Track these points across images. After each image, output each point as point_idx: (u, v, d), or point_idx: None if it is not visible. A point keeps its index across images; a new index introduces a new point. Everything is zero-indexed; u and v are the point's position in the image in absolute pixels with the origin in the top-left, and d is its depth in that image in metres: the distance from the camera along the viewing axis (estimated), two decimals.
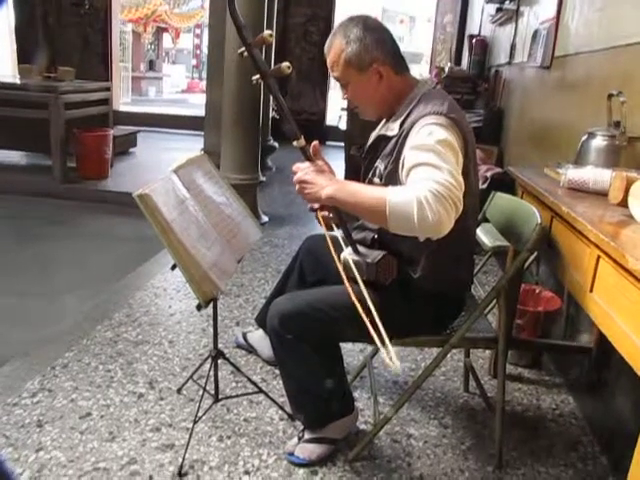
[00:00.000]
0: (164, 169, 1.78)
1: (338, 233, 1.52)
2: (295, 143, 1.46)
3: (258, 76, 1.42)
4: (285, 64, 1.37)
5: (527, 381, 2.30)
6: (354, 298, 1.28)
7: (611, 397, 2.05)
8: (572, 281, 1.49)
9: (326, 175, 1.42)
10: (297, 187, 1.44)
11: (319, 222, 1.54)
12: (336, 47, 1.53)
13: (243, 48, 1.39)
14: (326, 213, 1.54)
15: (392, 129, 1.52)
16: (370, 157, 1.64)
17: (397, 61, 1.56)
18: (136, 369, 2.19)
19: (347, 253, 1.50)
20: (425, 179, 1.25)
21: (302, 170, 1.44)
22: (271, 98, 6.01)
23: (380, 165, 1.55)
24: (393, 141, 1.50)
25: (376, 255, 1.47)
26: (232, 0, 1.35)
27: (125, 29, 17.26)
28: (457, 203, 1.25)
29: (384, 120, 1.65)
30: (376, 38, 1.52)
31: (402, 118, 1.50)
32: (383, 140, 1.57)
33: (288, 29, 8.83)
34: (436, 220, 1.21)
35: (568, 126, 2.80)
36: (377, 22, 1.58)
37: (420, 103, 1.48)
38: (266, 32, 1.35)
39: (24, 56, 8.75)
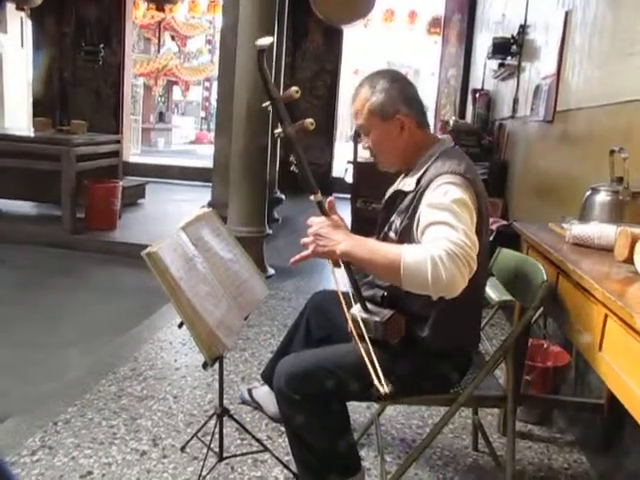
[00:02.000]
0: (171, 221, 1.80)
1: (349, 289, 1.52)
2: (312, 197, 1.46)
3: (281, 130, 1.44)
4: (309, 120, 1.41)
5: (537, 439, 2.25)
6: (357, 340, 1.38)
7: (626, 456, 1.99)
8: (580, 339, 1.48)
9: (341, 230, 1.42)
10: (311, 240, 1.42)
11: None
12: (361, 96, 1.58)
13: (268, 102, 1.42)
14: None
15: (409, 184, 1.54)
16: (387, 211, 1.66)
17: (420, 116, 1.60)
18: (140, 425, 2.16)
19: (356, 310, 1.50)
20: (440, 238, 1.27)
21: (317, 224, 1.43)
22: (277, 152, 6.12)
23: (396, 220, 1.56)
24: (410, 197, 1.52)
25: (385, 314, 1.47)
26: (262, 55, 1.37)
27: (137, 82, 17.77)
28: (471, 263, 1.26)
29: (402, 175, 1.67)
30: (401, 89, 1.57)
31: (419, 174, 1.52)
32: (400, 195, 1.59)
33: (295, 83, 8.99)
34: (450, 280, 1.22)
35: (572, 179, 2.83)
36: (404, 76, 1.64)
37: (438, 160, 1.51)
38: (293, 88, 1.38)
39: (39, 109, 9.01)
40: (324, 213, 1.47)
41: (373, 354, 1.37)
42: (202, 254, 1.71)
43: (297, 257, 1.47)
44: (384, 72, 1.61)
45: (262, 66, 1.39)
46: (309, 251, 1.44)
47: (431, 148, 1.58)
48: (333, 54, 9.21)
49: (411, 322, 1.51)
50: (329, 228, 1.42)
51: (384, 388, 1.34)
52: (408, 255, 1.26)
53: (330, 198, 1.52)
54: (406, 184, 1.57)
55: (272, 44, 4.04)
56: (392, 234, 1.56)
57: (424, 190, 1.46)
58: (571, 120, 3.02)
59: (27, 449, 1.96)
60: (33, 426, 2.10)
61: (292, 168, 1.55)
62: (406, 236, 1.47)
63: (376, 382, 1.35)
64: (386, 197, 1.70)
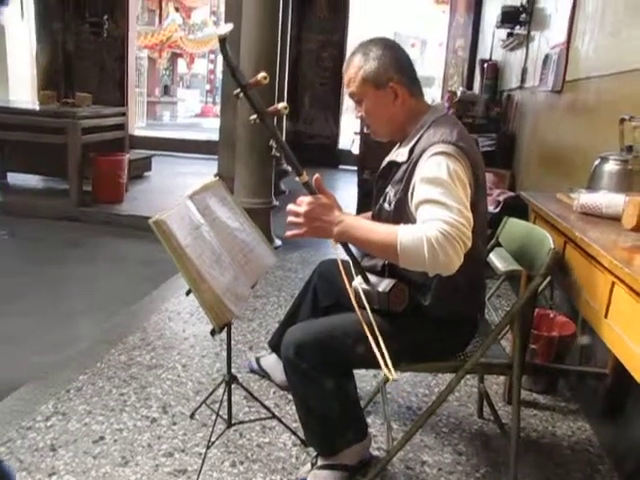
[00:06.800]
0: (178, 193, 1.80)
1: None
2: (298, 179, 1.46)
3: (256, 116, 1.43)
4: (282, 105, 1.40)
5: (542, 407, 2.28)
6: (364, 325, 1.39)
7: (629, 424, 2.02)
8: (586, 307, 1.49)
9: (335, 211, 1.42)
10: (303, 221, 1.41)
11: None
12: (354, 64, 1.57)
13: (239, 89, 1.40)
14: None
15: (402, 155, 1.54)
16: (382, 182, 1.66)
17: (413, 84, 1.59)
18: (150, 393, 2.19)
19: (358, 282, 1.51)
20: (435, 220, 1.28)
21: (308, 204, 1.41)
22: (284, 123, 6.08)
23: (390, 191, 1.56)
24: (403, 168, 1.52)
25: (387, 284, 1.47)
26: (224, 44, 1.36)
27: (141, 55, 17.60)
28: (466, 242, 1.28)
29: (397, 145, 1.66)
30: (394, 57, 1.56)
31: (412, 144, 1.52)
32: (394, 166, 1.59)
33: (301, 55, 8.96)
34: (446, 260, 1.25)
35: (580, 150, 2.81)
36: (397, 44, 1.62)
37: (430, 129, 1.50)
38: (260, 75, 1.36)
39: (44, 82, 8.95)
40: (312, 193, 1.45)
41: (379, 334, 1.39)
42: (209, 222, 1.72)
43: (291, 233, 1.45)
44: (377, 40, 1.60)
45: (226, 55, 1.38)
46: (302, 231, 1.42)
47: (423, 116, 1.57)
48: (339, 25, 9.08)
49: (413, 291, 1.52)
50: (321, 208, 1.41)
51: (392, 375, 1.34)
52: (404, 237, 1.28)
53: (316, 175, 1.47)
54: (399, 154, 1.56)
55: (278, 16, 3.99)
56: (386, 205, 1.57)
57: (417, 161, 1.45)
58: (580, 89, 2.98)
59: (41, 415, 2.00)
60: (46, 393, 2.14)
61: (273, 152, 1.52)
62: (400, 207, 1.48)
63: (385, 370, 1.34)
64: (381, 168, 1.69)
